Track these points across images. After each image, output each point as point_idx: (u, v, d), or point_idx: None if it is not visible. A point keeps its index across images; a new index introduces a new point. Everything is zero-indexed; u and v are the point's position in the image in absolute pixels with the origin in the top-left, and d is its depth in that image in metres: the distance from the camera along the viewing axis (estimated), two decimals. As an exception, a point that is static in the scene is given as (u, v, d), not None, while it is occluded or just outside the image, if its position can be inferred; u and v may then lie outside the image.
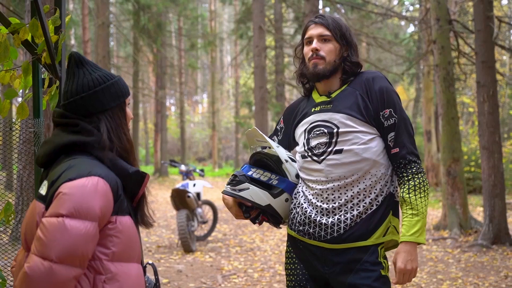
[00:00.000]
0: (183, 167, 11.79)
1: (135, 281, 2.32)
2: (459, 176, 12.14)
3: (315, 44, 3.17)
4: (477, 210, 16.17)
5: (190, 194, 10.43)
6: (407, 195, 3.02)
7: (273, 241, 11.84)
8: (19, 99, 3.71)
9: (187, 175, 11.69)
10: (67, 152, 2.36)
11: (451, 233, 11.79)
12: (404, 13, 23.35)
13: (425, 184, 3.04)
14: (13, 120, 3.81)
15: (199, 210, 10.89)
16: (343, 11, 23.10)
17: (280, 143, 3.44)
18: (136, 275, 2.33)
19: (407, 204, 3.02)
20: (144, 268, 2.50)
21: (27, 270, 2.09)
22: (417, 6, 21.83)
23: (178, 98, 36.37)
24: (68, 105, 2.40)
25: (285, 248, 9.42)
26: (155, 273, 2.65)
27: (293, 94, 40.29)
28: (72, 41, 27.09)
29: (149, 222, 2.51)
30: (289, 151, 3.38)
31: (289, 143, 3.41)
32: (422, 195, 3.01)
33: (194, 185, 10.98)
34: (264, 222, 3.34)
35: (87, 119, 2.38)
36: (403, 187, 3.05)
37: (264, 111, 19.81)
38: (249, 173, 3.24)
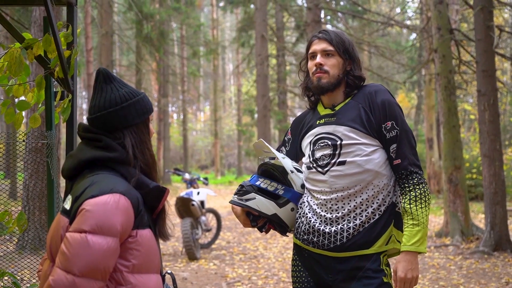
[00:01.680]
0: (187, 176, 11.89)
1: None
2: (460, 184, 12.23)
3: (318, 59, 3.26)
4: (479, 217, 16.24)
5: (194, 203, 10.53)
6: (408, 206, 3.10)
7: (276, 248, 11.93)
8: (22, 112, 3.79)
9: (191, 183, 11.79)
10: (90, 167, 2.44)
11: (453, 240, 11.87)
12: (405, 21, 23.46)
13: (426, 194, 3.12)
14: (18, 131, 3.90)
15: (203, 218, 10.98)
16: (338, 19, 23.23)
17: (288, 153, 3.53)
18: (154, 285, 2.42)
19: (408, 215, 3.10)
20: (163, 277, 2.59)
21: (52, 283, 2.20)
22: (419, 14, 21.92)
23: (180, 106, 36.45)
24: (95, 120, 2.48)
25: (288, 255, 9.41)
26: (174, 281, 2.75)
27: (295, 101, 40.37)
28: (75, 50, 27.12)
29: (167, 235, 2.60)
30: (297, 162, 3.47)
31: (296, 154, 3.50)
32: (423, 205, 3.09)
33: (198, 193, 11.07)
34: (271, 230, 3.44)
35: (112, 135, 2.46)
36: (404, 197, 3.13)
37: (266, 119, 19.91)
38: (257, 183, 3.34)
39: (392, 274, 3.13)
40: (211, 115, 47.45)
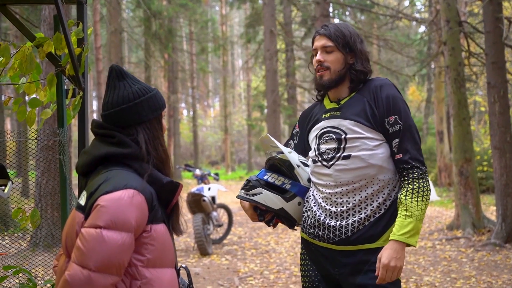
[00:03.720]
0: (198, 171, 11.92)
1: (168, 286, 2.44)
2: (471, 176, 12.21)
3: (318, 56, 3.27)
4: (491, 209, 16.21)
5: (205, 198, 10.56)
6: (404, 197, 3.09)
7: (288, 243, 11.95)
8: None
9: (202, 179, 11.82)
10: (104, 163, 2.48)
11: (464, 233, 11.86)
12: (414, 14, 23.41)
13: (424, 189, 3.10)
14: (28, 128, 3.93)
15: (214, 213, 11.01)
16: (346, 13, 23.19)
17: (296, 147, 3.55)
18: (169, 279, 2.45)
19: (402, 206, 3.09)
20: (178, 271, 2.62)
21: (68, 278, 2.24)
22: (427, 7, 21.87)
23: (190, 102, 36.50)
24: (108, 116, 2.51)
25: (299, 250, 9.48)
26: (188, 275, 2.78)
27: (304, 96, 40.32)
28: (85, 48, 27.20)
29: (180, 230, 2.63)
30: (305, 155, 3.49)
31: (304, 147, 3.51)
32: (419, 199, 3.07)
33: (209, 189, 11.09)
34: (279, 224, 3.46)
35: (125, 131, 2.49)
36: (402, 190, 3.13)
37: (276, 114, 19.93)
38: (265, 177, 3.36)
39: (377, 261, 3.10)
40: (221, 111, 47.51)
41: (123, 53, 29.19)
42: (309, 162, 3.40)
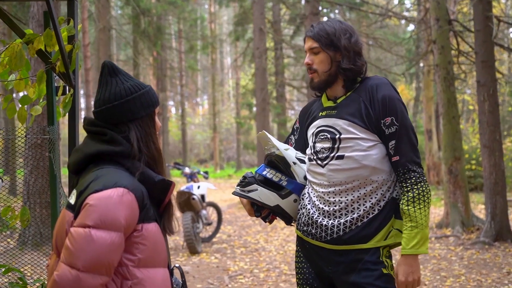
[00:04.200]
0: (187, 170, 11.90)
1: (161, 286, 2.41)
2: (460, 175, 12.24)
3: (307, 58, 3.24)
4: (479, 208, 16.27)
5: (195, 196, 10.54)
6: (406, 208, 3.06)
7: (277, 241, 11.94)
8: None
9: (191, 177, 11.80)
10: (95, 161, 2.44)
11: (454, 231, 11.89)
12: (403, 13, 23.44)
13: (424, 194, 3.07)
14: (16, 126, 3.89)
15: (203, 212, 10.99)
16: (336, 12, 23.20)
17: (297, 142, 3.52)
18: (161, 280, 2.42)
19: (406, 217, 3.07)
20: (171, 270, 2.59)
21: (56, 278, 2.21)
22: (416, 5, 21.89)
23: (178, 100, 36.42)
24: (100, 113, 2.48)
25: (289, 248, 9.42)
26: (182, 275, 2.74)
27: (293, 94, 40.36)
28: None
29: (172, 229, 2.58)
30: (306, 151, 3.46)
31: (304, 143, 3.47)
32: (421, 206, 3.05)
33: (199, 187, 11.08)
34: (274, 221, 3.46)
35: (117, 128, 2.46)
36: (403, 198, 3.09)
37: (265, 112, 19.90)
38: (264, 172, 3.36)
39: (394, 277, 3.11)
40: (209, 109, 47.41)
41: (111, 51, 29.10)
42: (306, 159, 3.37)
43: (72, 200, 2.41)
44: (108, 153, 2.42)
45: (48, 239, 9.03)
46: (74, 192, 2.42)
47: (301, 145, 3.49)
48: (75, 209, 2.34)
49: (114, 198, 2.27)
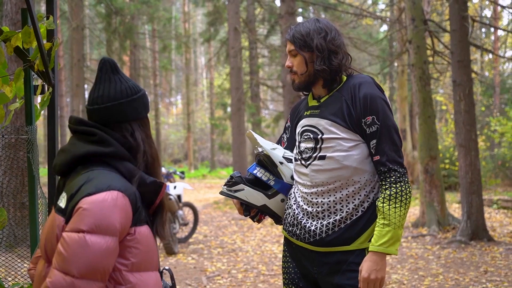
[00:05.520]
0: (163, 170, 11.80)
1: None
2: (436, 174, 12.30)
3: (287, 61, 3.22)
4: (453, 207, 16.40)
5: (171, 197, 10.46)
6: (381, 204, 3.00)
7: (254, 241, 11.89)
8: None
9: (167, 177, 11.70)
10: (84, 163, 2.36)
11: (430, 230, 11.95)
12: (377, 13, 23.52)
13: (403, 194, 3.01)
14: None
15: (180, 212, 10.91)
16: (311, 9, 23.23)
17: (289, 140, 3.48)
18: (154, 283, 2.36)
19: (380, 214, 3.01)
20: (161, 273, 2.52)
21: (49, 285, 2.12)
22: (389, 6, 21.99)
23: (152, 100, 36.23)
24: (104, 110, 2.39)
25: (266, 248, 9.40)
26: (172, 277, 2.68)
27: (267, 94, 40.36)
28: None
29: (163, 233, 2.51)
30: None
31: (295, 142, 3.43)
32: (397, 205, 2.98)
33: (175, 187, 11.01)
34: (245, 222, 3.43)
35: (119, 127, 2.39)
36: (380, 196, 3.04)
37: (241, 112, 19.85)
38: (254, 171, 3.34)
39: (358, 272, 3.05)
40: (183, 109, 47.25)
41: (84, 50, 28.86)
42: (293, 159, 3.34)
43: (62, 203, 2.31)
44: (98, 154, 2.34)
45: (22, 241, 8.90)
46: (64, 195, 2.33)
47: (292, 143, 3.44)
48: (66, 213, 2.26)
49: (108, 201, 2.20)
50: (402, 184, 3.02)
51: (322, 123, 3.13)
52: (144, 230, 2.34)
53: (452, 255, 9.82)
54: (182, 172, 12.10)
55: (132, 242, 2.28)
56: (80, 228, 2.16)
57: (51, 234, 2.30)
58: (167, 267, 2.67)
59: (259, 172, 3.33)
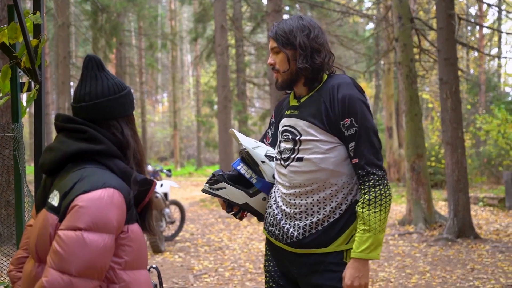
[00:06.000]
0: (149, 168, 11.75)
1: None
2: (423, 172, 12.33)
3: (270, 58, 3.18)
4: (439, 205, 16.46)
5: (157, 195, 10.42)
6: (361, 210, 2.96)
7: (241, 239, 11.87)
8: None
9: (153, 175, 11.66)
10: (74, 160, 2.33)
11: (417, 228, 11.98)
12: (364, 11, 23.56)
13: (382, 198, 2.97)
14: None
15: (166, 210, 10.88)
16: (298, 7, 23.23)
17: (273, 136, 3.44)
18: (145, 281, 2.35)
19: (360, 219, 2.97)
20: (148, 271, 2.51)
21: (46, 284, 2.09)
22: (376, 4, 22.03)
23: (138, 97, 36.12)
24: (92, 107, 2.37)
25: (253, 246, 9.37)
26: (159, 276, 2.66)
27: (254, 92, 40.32)
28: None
29: (153, 230, 2.51)
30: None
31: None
32: (376, 210, 2.95)
33: (162, 185, 10.98)
34: (231, 220, 3.43)
35: (106, 124, 2.37)
36: (359, 201, 3.00)
37: (227, 109, 19.82)
38: (238, 167, 3.32)
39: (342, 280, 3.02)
40: (169, 107, 47.17)
41: (70, 47, 28.70)
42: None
43: (54, 202, 2.28)
44: (89, 151, 2.32)
45: (7, 239, 8.84)
46: (56, 193, 2.29)
47: (276, 140, 3.39)
48: (60, 211, 2.23)
49: (105, 199, 2.19)
50: (381, 187, 2.98)
51: (301, 124, 3.09)
52: (136, 228, 2.33)
53: (439, 253, 9.84)
54: (169, 170, 12.06)
55: (125, 240, 2.27)
56: (77, 226, 2.14)
57: (43, 233, 2.27)
58: (154, 266, 2.65)
59: (242, 169, 3.32)
